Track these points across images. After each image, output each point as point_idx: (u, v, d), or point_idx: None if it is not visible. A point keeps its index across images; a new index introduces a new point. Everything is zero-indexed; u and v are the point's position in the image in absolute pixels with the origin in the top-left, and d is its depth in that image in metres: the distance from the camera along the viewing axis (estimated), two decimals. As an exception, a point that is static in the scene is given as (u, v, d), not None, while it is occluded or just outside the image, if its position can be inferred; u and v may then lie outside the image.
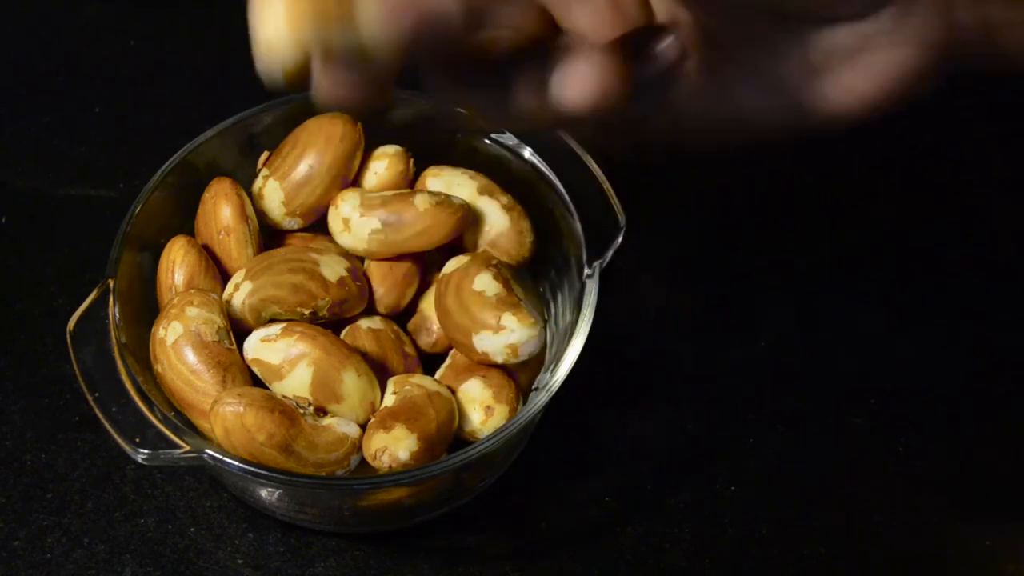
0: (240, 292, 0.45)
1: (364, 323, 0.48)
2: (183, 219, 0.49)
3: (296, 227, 0.50)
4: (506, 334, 0.44)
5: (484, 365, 0.46)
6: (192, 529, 0.48)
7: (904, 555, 0.48)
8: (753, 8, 0.31)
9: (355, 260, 0.48)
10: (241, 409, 0.41)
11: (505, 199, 0.49)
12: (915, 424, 0.52)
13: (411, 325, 0.49)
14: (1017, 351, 0.54)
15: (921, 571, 0.48)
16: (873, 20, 0.31)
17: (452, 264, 0.47)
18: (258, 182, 0.50)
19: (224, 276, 0.47)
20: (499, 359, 0.45)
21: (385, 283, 0.48)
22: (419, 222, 0.47)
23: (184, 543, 0.47)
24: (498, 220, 0.49)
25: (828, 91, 0.32)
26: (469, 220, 0.48)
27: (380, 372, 0.46)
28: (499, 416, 0.45)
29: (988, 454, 0.51)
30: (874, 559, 0.48)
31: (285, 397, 0.43)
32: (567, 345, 0.44)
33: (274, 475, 0.41)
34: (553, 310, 0.50)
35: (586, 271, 0.46)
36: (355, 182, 0.50)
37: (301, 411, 0.43)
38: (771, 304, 0.55)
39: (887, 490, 0.50)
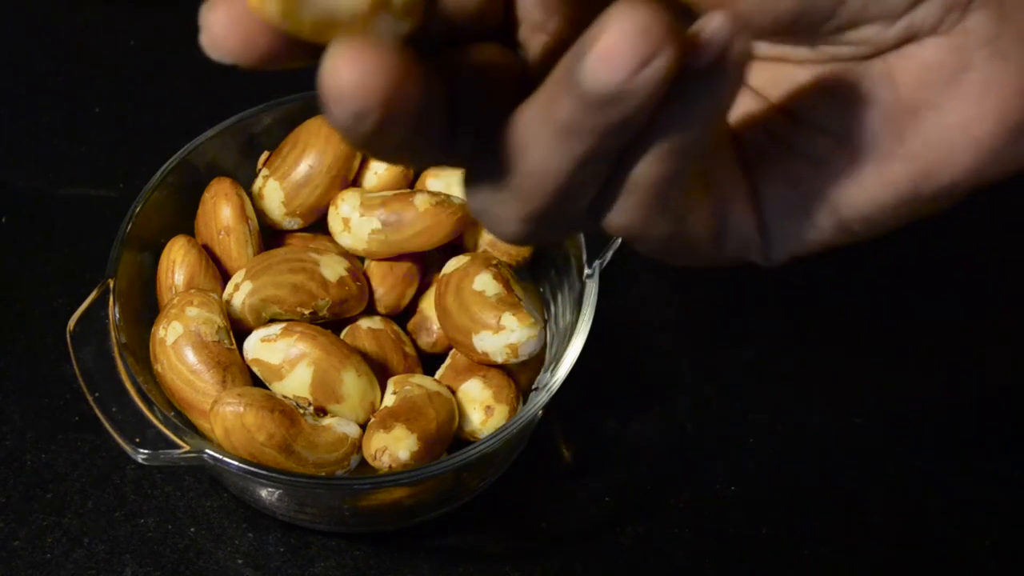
0: (240, 292, 0.45)
1: (364, 323, 0.48)
2: (183, 219, 0.49)
3: (296, 227, 0.50)
4: (506, 334, 0.44)
5: (484, 365, 0.46)
6: (192, 529, 0.48)
7: (904, 555, 0.48)
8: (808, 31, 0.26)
9: (355, 260, 0.48)
10: (241, 409, 0.41)
11: (505, 199, 0.49)
12: (915, 424, 0.51)
13: (411, 325, 0.49)
14: (1018, 351, 0.54)
15: (921, 571, 0.48)
16: (963, 31, 0.25)
17: (452, 264, 0.47)
18: (258, 182, 0.50)
19: (224, 276, 0.47)
20: (499, 359, 0.45)
21: (385, 283, 0.48)
22: (419, 222, 0.47)
23: (184, 543, 0.47)
24: (498, 220, 0.49)
25: (931, 133, 0.26)
26: (469, 220, 0.48)
27: (380, 372, 0.46)
28: (499, 416, 0.45)
29: (988, 453, 0.51)
30: (874, 559, 0.48)
31: (285, 397, 0.43)
32: (567, 345, 0.44)
33: (274, 475, 0.41)
34: (553, 310, 0.50)
35: (586, 271, 0.46)
36: (355, 182, 0.50)
37: (301, 411, 0.43)
38: (771, 304, 0.55)
39: (887, 490, 0.50)
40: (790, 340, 0.54)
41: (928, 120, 0.26)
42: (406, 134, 0.21)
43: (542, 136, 0.22)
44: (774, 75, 0.28)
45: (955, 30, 0.25)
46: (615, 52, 0.20)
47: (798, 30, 0.25)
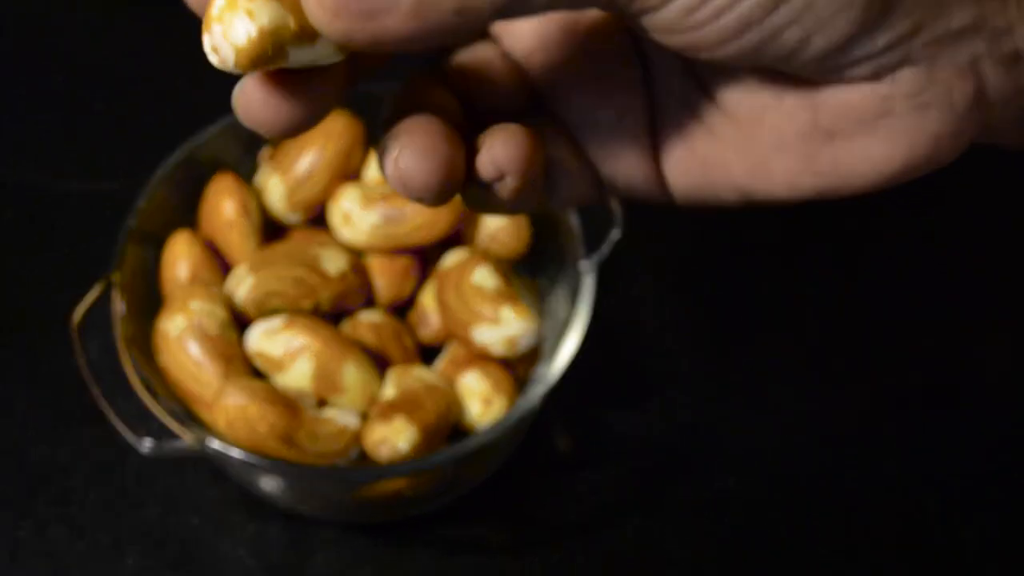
0: (242, 286, 0.46)
1: (364, 316, 0.48)
2: (186, 214, 0.49)
3: (298, 221, 0.50)
4: (504, 327, 0.45)
5: (483, 358, 0.47)
6: (195, 520, 0.48)
7: (903, 553, 0.48)
8: (745, 67, 0.27)
9: (356, 254, 0.49)
10: (243, 401, 0.42)
11: (504, 194, 0.49)
12: (915, 423, 0.52)
13: (411, 318, 0.50)
14: (1018, 350, 0.54)
15: (921, 570, 0.48)
16: (891, 81, 0.27)
17: (451, 258, 0.48)
18: (260, 177, 0.50)
19: (227, 270, 0.48)
20: (498, 352, 0.45)
21: (385, 277, 0.49)
22: (419, 216, 0.47)
23: (187, 533, 0.48)
24: (497, 215, 0.49)
25: (841, 158, 0.28)
26: (468, 215, 0.49)
27: (380, 365, 0.46)
28: (498, 408, 0.45)
29: (988, 453, 0.51)
30: (873, 557, 0.48)
31: (287, 389, 0.44)
32: (565, 338, 0.45)
33: (275, 466, 0.42)
34: (551, 304, 0.50)
35: (583, 264, 0.46)
36: (356, 176, 0.50)
37: (302, 403, 0.43)
38: (771, 301, 0.56)
39: (887, 490, 0.50)
40: (790, 337, 0.54)
41: (840, 147, 0.28)
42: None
43: None
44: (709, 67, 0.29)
45: (884, 80, 0.26)
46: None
47: (745, 66, 0.27)
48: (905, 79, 0.26)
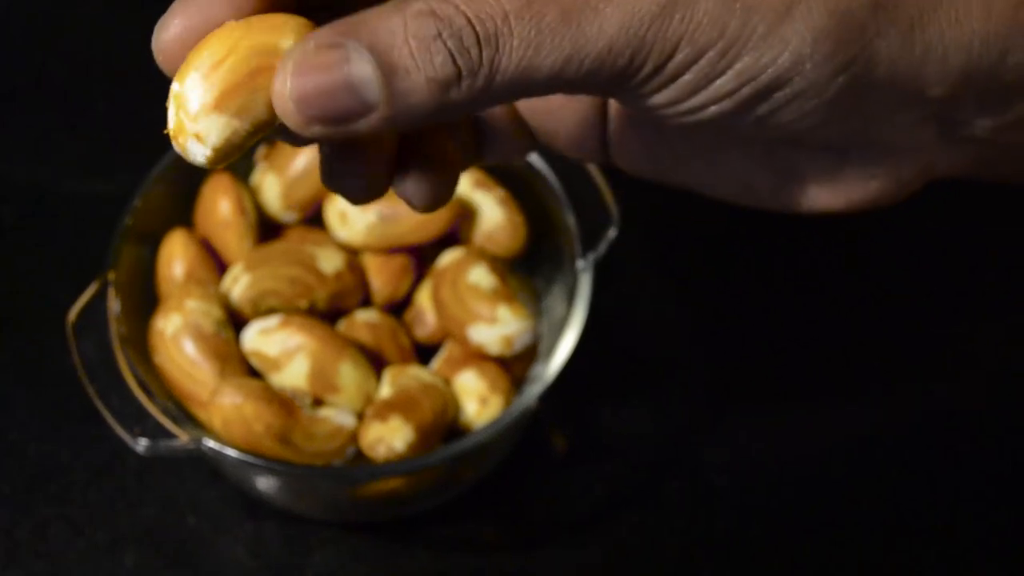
0: (238, 284, 0.46)
1: (360, 315, 0.48)
2: (182, 212, 0.49)
3: (294, 220, 0.50)
4: (501, 326, 0.45)
5: (479, 357, 0.46)
6: (192, 519, 0.48)
7: (896, 546, 0.48)
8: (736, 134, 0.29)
9: (352, 253, 0.49)
10: (239, 400, 0.42)
11: (500, 192, 0.49)
12: (911, 419, 0.52)
13: (407, 317, 0.50)
14: (1018, 350, 0.54)
15: (914, 562, 0.48)
16: (846, 157, 0.29)
17: (448, 257, 0.48)
18: (256, 175, 0.50)
19: (222, 269, 0.48)
20: (494, 351, 0.45)
21: (381, 276, 0.49)
22: (415, 215, 0.47)
23: (184, 533, 0.48)
24: (493, 213, 0.49)
25: (785, 191, 0.30)
26: (465, 214, 0.49)
27: (376, 364, 0.46)
28: (494, 407, 0.45)
29: (989, 453, 0.51)
30: (867, 552, 0.48)
31: (283, 388, 0.44)
32: (561, 337, 0.45)
33: (271, 465, 0.42)
34: (548, 302, 0.50)
35: (580, 263, 0.46)
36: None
37: (298, 402, 0.43)
38: (767, 297, 0.56)
39: (880, 482, 0.50)
40: (786, 333, 0.54)
41: (786, 184, 0.30)
42: None
43: None
44: None
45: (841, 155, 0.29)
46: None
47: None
48: (860, 159, 0.29)
